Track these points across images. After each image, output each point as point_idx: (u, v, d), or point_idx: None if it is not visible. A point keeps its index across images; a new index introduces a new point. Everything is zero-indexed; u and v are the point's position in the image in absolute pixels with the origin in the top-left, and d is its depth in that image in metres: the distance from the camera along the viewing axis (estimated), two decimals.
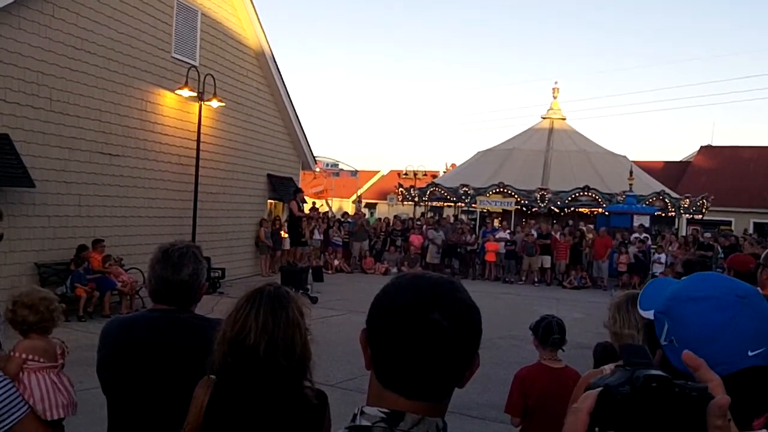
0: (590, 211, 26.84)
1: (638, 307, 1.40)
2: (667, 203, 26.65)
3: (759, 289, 3.76)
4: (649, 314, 1.34)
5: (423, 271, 1.40)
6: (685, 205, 27.36)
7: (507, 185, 26.14)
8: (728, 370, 1.16)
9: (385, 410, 1.24)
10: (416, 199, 30.37)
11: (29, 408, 2.57)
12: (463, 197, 27.27)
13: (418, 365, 1.22)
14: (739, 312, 1.21)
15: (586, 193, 25.62)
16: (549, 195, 25.87)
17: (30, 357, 3.18)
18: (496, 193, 26.27)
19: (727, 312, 1.21)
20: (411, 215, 30.69)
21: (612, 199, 25.47)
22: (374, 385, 1.29)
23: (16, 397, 2.46)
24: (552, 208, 26.38)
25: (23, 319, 3.26)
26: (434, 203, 30.82)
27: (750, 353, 1.18)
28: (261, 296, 2.12)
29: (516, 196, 26.12)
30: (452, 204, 30.06)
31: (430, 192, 29.15)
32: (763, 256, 4.15)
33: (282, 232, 20.01)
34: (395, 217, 26.80)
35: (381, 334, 1.26)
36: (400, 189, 31.50)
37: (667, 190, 27.73)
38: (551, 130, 32.34)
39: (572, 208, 26.89)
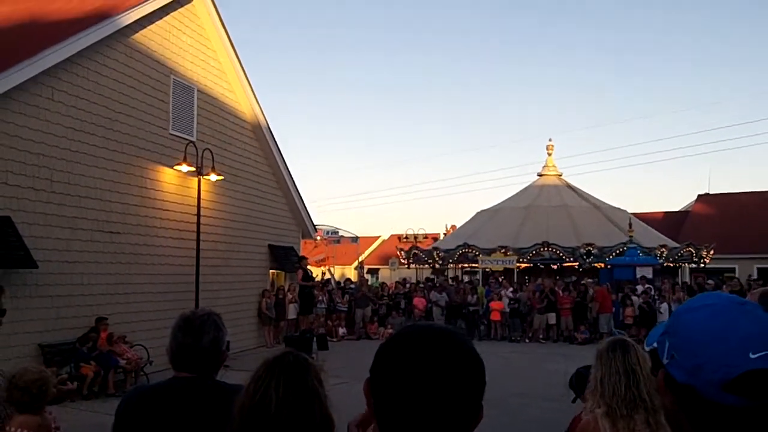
0: (579, 266, 26.83)
1: (645, 345, 1.41)
2: (665, 254, 26.66)
3: None
4: (653, 345, 1.34)
5: (428, 322, 1.41)
6: (686, 255, 27.36)
7: (471, 245, 26.45)
8: (731, 373, 1.14)
9: None
10: (404, 262, 30.76)
11: None
12: (437, 260, 27.70)
13: (418, 414, 1.21)
14: (738, 316, 1.19)
15: (546, 249, 25.76)
16: (510, 252, 25.94)
17: None
18: (462, 255, 26.70)
19: (725, 315, 1.20)
20: (414, 279, 30.67)
21: (574, 253, 25.61)
22: None
23: None
24: (518, 264, 26.42)
25: (18, 400, 3.31)
26: (418, 266, 31.11)
27: (752, 355, 1.14)
28: (281, 365, 2.09)
29: (480, 254, 26.34)
30: (458, 265, 30.19)
31: (414, 255, 29.61)
32: (756, 300, 4.11)
33: (287, 301, 19.96)
34: (397, 282, 26.75)
35: (382, 382, 1.26)
36: (400, 251, 31.70)
37: (665, 239, 27.75)
38: (543, 187, 32.73)
39: (537, 263, 27.03)
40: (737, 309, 1.22)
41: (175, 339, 2.71)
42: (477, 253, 26.87)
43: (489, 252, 26.46)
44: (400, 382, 1.23)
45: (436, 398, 1.21)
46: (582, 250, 25.78)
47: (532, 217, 30.05)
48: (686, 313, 1.27)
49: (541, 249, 26.01)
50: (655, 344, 1.33)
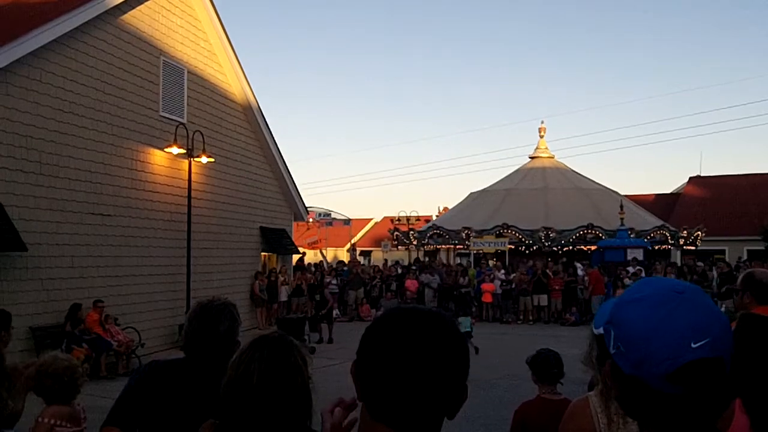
0: (586, 247, 26.85)
1: (593, 328, 1.40)
2: (667, 236, 26.82)
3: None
4: (600, 331, 1.34)
5: (412, 305, 1.42)
6: (683, 235, 27.56)
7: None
8: (674, 364, 1.16)
9: None
10: (415, 243, 30.24)
11: None
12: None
13: (405, 395, 1.22)
14: (677, 306, 1.20)
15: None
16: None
17: (58, 423, 3.22)
18: (499, 235, 26.30)
19: (665, 307, 1.20)
20: (406, 260, 30.65)
21: (533, 236, 25.79)
22: (364, 420, 1.30)
23: None
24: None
25: (49, 388, 3.30)
26: (433, 246, 30.73)
27: (693, 345, 1.16)
28: (265, 342, 2.16)
29: (520, 236, 26.17)
30: (451, 246, 30.02)
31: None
32: (739, 280, 4.13)
33: (279, 283, 20.00)
34: (393, 264, 26.78)
35: (369, 364, 1.27)
36: (395, 233, 31.42)
37: (661, 223, 27.90)
38: (543, 169, 32.67)
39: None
40: (676, 298, 1.22)
41: (191, 325, 2.80)
42: (472, 234, 26.78)
43: (483, 233, 26.43)
44: (387, 364, 1.24)
45: (423, 380, 1.22)
46: (541, 234, 25.96)
47: (512, 199, 30.10)
48: (628, 304, 1.27)
49: (501, 231, 26.14)
50: (602, 330, 1.33)
